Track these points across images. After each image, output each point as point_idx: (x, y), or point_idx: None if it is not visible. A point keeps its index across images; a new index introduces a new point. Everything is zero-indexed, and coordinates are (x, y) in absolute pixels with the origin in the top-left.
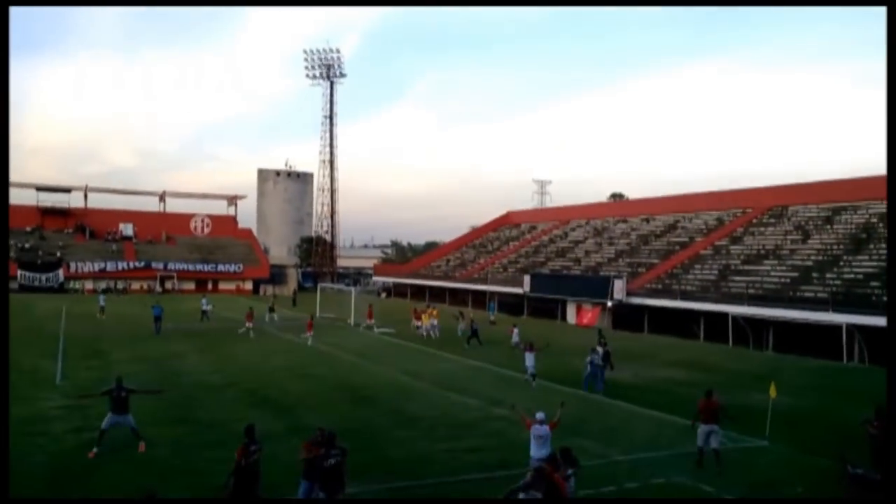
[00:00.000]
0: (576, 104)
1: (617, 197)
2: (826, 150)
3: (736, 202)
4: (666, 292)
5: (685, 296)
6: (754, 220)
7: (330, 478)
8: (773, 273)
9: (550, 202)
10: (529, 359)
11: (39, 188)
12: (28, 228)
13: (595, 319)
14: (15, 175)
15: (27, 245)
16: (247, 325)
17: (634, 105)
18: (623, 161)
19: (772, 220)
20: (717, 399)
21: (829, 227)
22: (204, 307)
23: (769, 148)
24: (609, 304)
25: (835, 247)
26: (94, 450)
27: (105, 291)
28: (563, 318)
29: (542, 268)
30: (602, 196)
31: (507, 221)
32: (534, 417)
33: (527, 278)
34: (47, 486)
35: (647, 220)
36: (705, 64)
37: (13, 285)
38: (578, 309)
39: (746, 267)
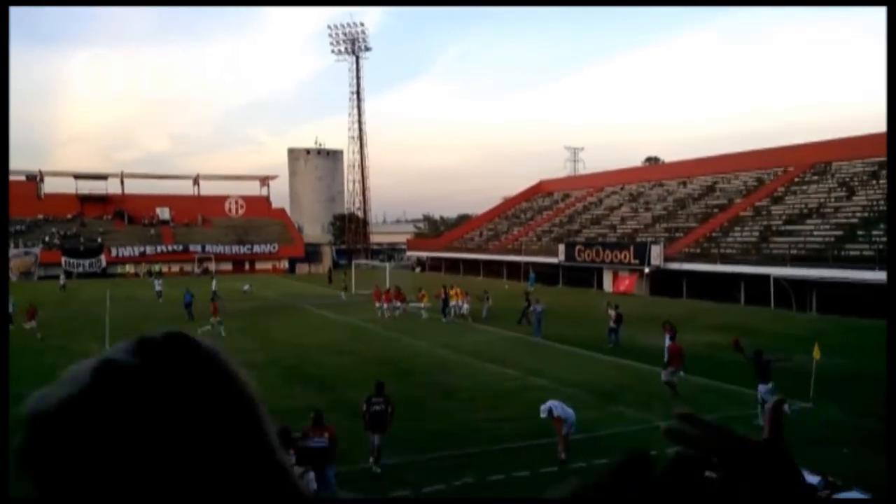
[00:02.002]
0: (607, 68)
1: (652, 161)
2: (870, 102)
3: (776, 161)
4: (704, 256)
5: (725, 259)
6: (796, 179)
7: (376, 422)
8: (816, 232)
9: (583, 169)
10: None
11: (77, 176)
12: (69, 216)
13: (632, 287)
14: (53, 164)
15: (69, 232)
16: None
17: (667, 65)
18: (657, 124)
19: (814, 178)
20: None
21: (874, 182)
22: (244, 289)
23: (809, 103)
24: (646, 270)
25: (881, 203)
26: None
27: (160, 275)
28: (600, 286)
29: (576, 236)
30: (636, 161)
31: (540, 191)
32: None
33: (561, 247)
34: None
35: (684, 184)
36: (739, 17)
37: (57, 272)
38: (615, 276)
39: (788, 227)
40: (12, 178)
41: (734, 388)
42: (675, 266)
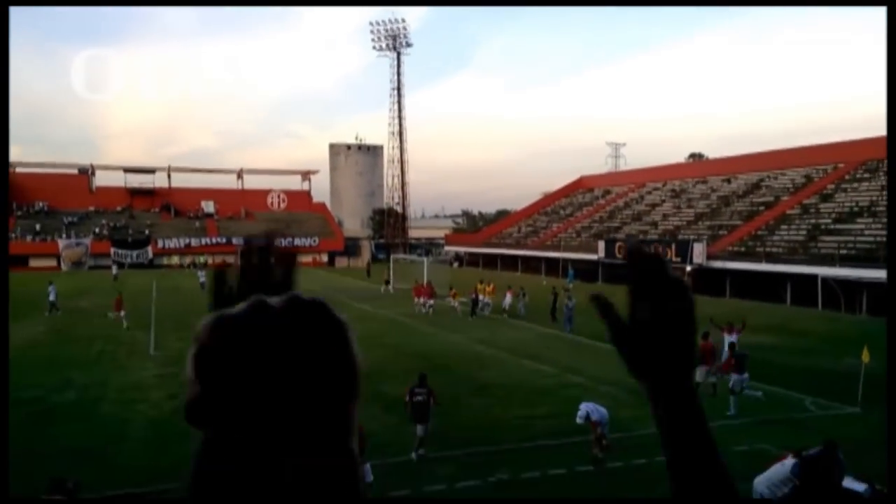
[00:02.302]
0: (650, 61)
1: (696, 157)
2: None
3: (826, 157)
4: (749, 255)
5: (770, 258)
6: (846, 176)
7: (419, 412)
8: (867, 231)
9: (625, 165)
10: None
11: (127, 170)
12: (118, 208)
13: None
14: (103, 158)
15: (118, 224)
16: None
17: (712, 58)
18: (702, 120)
19: (866, 175)
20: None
21: None
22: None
23: (861, 97)
24: (688, 268)
25: None
26: None
27: (204, 266)
28: None
29: (617, 233)
30: (680, 157)
31: (580, 186)
32: None
33: (601, 244)
34: (148, 449)
35: (729, 180)
36: (787, 8)
37: (106, 262)
38: None
39: (838, 226)
40: (65, 171)
41: (779, 390)
42: (718, 265)
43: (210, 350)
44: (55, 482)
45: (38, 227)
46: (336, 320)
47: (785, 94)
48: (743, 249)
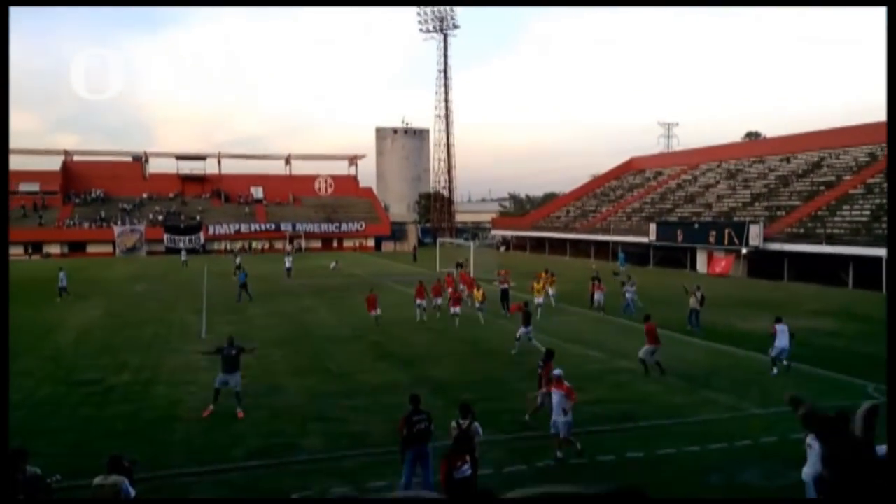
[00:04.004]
0: (703, 35)
1: (752, 136)
2: None
3: None
4: (809, 237)
5: (831, 240)
6: None
7: (420, 441)
8: None
9: (678, 145)
10: (781, 338)
11: (179, 157)
12: (171, 195)
13: (729, 268)
14: (156, 146)
15: (171, 210)
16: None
17: (768, 32)
18: (758, 97)
19: None
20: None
21: None
22: (331, 266)
23: None
24: (744, 250)
25: None
26: (210, 407)
27: (248, 249)
28: (693, 267)
29: (668, 215)
30: (735, 136)
31: (631, 168)
32: None
33: (652, 226)
34: (198, 429)
35: (787, 160)
36: None
37: (159, 247)
38: (710, 257)
39: None
40: (120, 159)
41: (841, 376)
42: (775, 247)
43: None
44: (113, 460)
45: (101, 213)
46: None
47: (848, 68)
48: (802, 231)
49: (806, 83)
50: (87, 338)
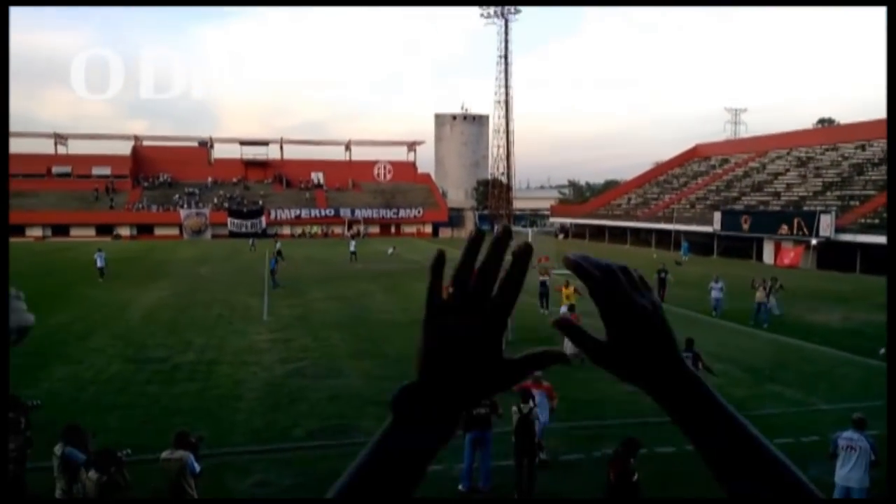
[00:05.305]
0: (772, 19)
1: (825, 122)
2: None
3: None
4: (884, 228)
5: None
6: None
7: (479, 427)
8: None
9: (745, 132)
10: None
11: (242, 142)
12: (234, 180)
13: (798, 259)
14: (220, 132)
15: (234, 195)
16: None
17: (841, 14)
18: (832, 81)
19: None
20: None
21: None
22: (388, 251)
23: None
24: (813, 241)
25: None
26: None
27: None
28: (760, 258)
29: (734, 204)
30: (807, 123)
31: (695, 155)
32: None
33: (717, 215)
34: (260, 409)
35: (863, 147)
36: None
37: (223, 231)
38: (777, 248)
39: None
40: (186, 144)
41: None
42: (847, 238)
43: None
44: (180, 436)
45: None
46: None
47: None
48: (877, 221)
49: (883, 68)
50: (155, 317)
